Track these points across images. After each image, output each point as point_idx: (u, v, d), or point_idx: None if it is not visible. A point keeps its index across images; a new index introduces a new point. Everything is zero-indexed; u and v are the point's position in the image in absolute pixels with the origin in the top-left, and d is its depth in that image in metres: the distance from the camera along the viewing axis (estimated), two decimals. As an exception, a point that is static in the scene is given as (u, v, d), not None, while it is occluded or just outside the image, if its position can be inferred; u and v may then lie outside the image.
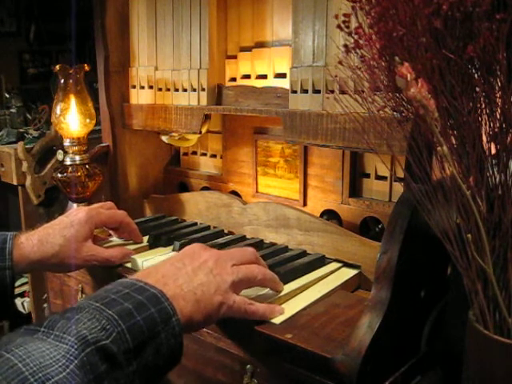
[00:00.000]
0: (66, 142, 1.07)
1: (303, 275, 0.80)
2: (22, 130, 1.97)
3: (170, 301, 0.55)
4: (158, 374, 0.55)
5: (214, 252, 0.67)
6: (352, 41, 0.54)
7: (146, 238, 0.97)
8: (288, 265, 0.81)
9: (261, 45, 0.98)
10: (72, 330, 0.48)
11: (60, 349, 0.46)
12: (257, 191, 1.07)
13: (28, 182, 1.65)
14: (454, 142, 0.48)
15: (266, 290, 0.72)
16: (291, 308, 0.70)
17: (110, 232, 0.96)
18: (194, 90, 1.01)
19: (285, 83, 0.90)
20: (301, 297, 0.75)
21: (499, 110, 0.46)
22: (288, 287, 0.75)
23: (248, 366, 0.68)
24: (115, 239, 0.96)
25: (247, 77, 1.00)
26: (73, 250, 0.81)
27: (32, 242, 0.79)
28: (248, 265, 0.68)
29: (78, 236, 0.82)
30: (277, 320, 0.67)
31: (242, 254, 0.69)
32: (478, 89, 0.47)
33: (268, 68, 0.96)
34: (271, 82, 0.95)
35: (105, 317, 0.50)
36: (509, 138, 0.46)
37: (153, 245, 0.95)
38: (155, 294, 0.55)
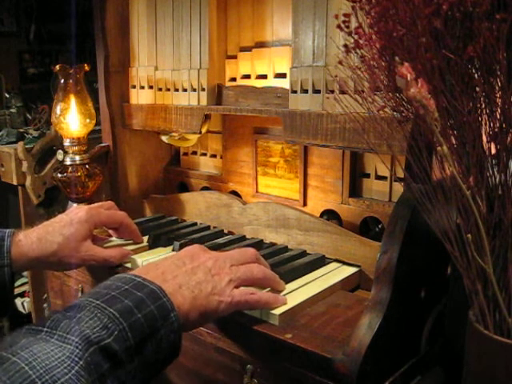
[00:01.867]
0: (66, 142, 1.07)
1: (303, 275, 0.80)
2: (21, 130, 1.97)
3: (169, 296, 0.56)
4: (158, 368, 0.56)
5: (213, 254, 0.67)
6: (352, 41, 0.54)
7: (145, 238, 0.97)
8: (288, 265, 0.81)
9: (261, 45, 0.98)
10: (75, 329, 0.48)
11: (64, 349, 0.46)
12: (257, 191, 1.07)
13: (28, 182, 1.65)
14: (454, 141, 0.48)
15: (267, 290, 0.72)
16: (291, 301, 0.70)
17: (110, 232, 0.96)
18: (194, 90, 1.01)
19: (285, 83, 0.90)
20: (300, 291, 0.75)
21: (499, 110, 0.46)
22: (288, 287, 0.75)
23: (248, 366, 0.68)
24: (115, 239, 0.96)
25: (247, 77, 1.00)
26: (72, 249, 0.80)
27: (31, 239, 0.78)
28: (247, 264, 0.68)
29: (78, 235, 0.81)
30: (277, 311, 0.67)
31: (242, 255, 0.69)
32: (478, 89, 0.47)
33: (268, 68, 0.96)
34: (271, 82, 0.95)
35: (106, 315, 0.50)
36: (509, 138, 0.46)
37: (153, 245, 0.95)
38: (154, 290, 0.55)
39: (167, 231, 1.00)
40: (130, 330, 0.51)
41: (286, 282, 0.75)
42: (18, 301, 2.00)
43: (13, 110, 2.11)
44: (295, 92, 0.84)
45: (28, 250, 0.78)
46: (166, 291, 0.56)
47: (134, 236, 0.94)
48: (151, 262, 0.66)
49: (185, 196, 1.11)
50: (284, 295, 0.72)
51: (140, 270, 0.62)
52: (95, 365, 0.47)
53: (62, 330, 0.48)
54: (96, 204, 0.91)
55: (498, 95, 0.46)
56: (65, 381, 0.44)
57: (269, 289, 0.72)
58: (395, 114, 0.56)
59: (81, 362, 0.46)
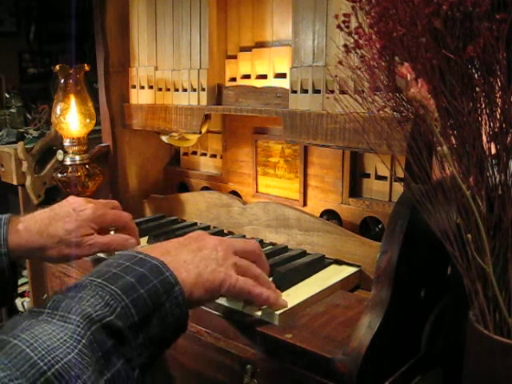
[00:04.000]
0: (66, 142, 1.07)
1: (303, 275, 0.80)
2: (22, 130, 1.97)
3: (172, 271, 0.55)
4: (165, 344, 0.55)
5: (218, 237, 0.67)
6: (352, 41, 0.54)
7: (146, 239, 0.97)
8: (288, 265, 0.81)
9: (261, 45, 0.98)
10: (76, 308, 0.47)
11: (66, 329, 0.46)
12: (257, 191, 1.07)
13: (28, 182, 1.65)
14: (454, 141, 0.48)
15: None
16: (291, 301, 0.70)
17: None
18: (194, 89, 1.01)
19: (285, 83, 0.90)
20: (300, 291, 0.75)
21: (499, 110, 0.46)
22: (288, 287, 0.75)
23: (248, 366, 0.68)
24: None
25: (247, 77, 1.00)
26: (72, 243, 0.78)
27: (32, 231, 0.76)
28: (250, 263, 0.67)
29: (82, 231, 0.80)
30: (277, 311, 0.67)
31: (246, 245, 0.68)
32: (478, 89, 0.47)
33: (268, 68, 0.96)
34: (271, 82, 0.95)
35: (108, 292, 0.50)
36: (509, 138, 0.46)
37: (153, 245, 0.95)
38: (156, 265, 0.54)
39: (167, 231, 1.00)
40: (133, 306, 0.50)
41: (286, 283, 0.75)
42: (18, 301, 1.99)
43: (13, 110, 2.12)
44: (295, 92, 0.84)
45: (27, 242, 0.75)
46: (169, 266, 0.55)
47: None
48: (156, 244, 0.65)
49: (185, 196, 1.11)
50: (284, 295, 0.72)
51: (144, 248, 0.60)
52: (98, 342, 0.46)
53: (63, 310, 0.48)
54: (102, 201, 0.88)
55: (498, 95, 0.46)
56: (68, 360, 0.43)
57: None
58: (395, 113, 0.56)
59: (83, 341, 0.45)
